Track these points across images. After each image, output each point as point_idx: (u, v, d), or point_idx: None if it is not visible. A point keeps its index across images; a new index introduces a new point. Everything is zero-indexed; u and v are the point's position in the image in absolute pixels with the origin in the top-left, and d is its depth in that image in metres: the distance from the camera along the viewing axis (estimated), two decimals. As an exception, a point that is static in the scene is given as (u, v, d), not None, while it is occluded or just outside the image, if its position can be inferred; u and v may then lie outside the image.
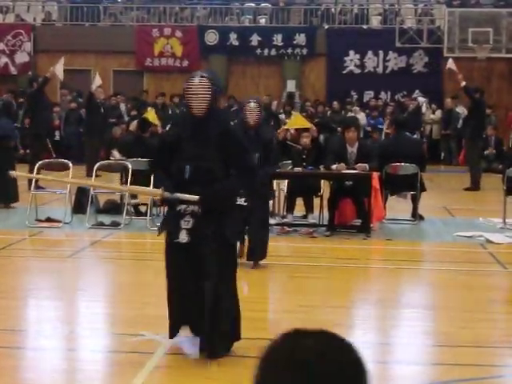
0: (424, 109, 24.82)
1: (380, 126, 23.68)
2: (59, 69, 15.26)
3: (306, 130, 12.54)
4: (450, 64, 16.01)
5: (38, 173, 12.46)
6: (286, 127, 12.51)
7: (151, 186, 11.84)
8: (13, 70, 27.53)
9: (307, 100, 25.72)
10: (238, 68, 27.19)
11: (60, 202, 12.94)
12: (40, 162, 12.95)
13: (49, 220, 12.07)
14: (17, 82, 26.69)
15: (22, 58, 27.50)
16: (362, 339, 6.83)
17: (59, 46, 26.39)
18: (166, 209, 6.92)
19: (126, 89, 25.75)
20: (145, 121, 14.15)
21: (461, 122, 22.31)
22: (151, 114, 14.54)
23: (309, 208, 12.37)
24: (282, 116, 24.40)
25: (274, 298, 8.28)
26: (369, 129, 23.19)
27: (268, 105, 25.07)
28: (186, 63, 27.14)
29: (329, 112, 24.75)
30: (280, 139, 12.14)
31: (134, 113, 22.52)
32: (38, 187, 13.13)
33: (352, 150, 11.82)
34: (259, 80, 27.31)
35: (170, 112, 23.50)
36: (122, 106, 24.56)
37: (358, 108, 24.46)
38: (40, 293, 7.76)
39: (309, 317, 7.30)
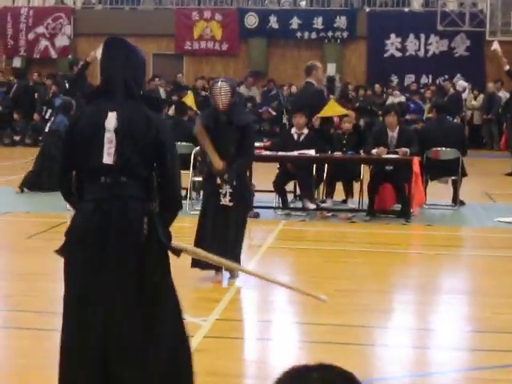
0: (465, 93, 24.57)
1: (421, 109, 23.46)
2: (100, 53, 15.25)
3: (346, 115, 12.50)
4: (496, 45, 15.77)
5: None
6: (320, 115, 12.41)
7: (191, 169, 11.98)
8: (53, 54, 27.74)
9: (348, 84, 25.58)
10: (278, 51, 27.11)
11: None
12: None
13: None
14: (57, 66, 26.89)
15: (61, 41, 27.69)
16: (400, 324, 6.82)
17: (99, 29, 26.53)
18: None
19: (165, 72, 25.83)
20: (183, 105, 14.18)
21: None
22: (190, 98, 14.57)
23: (348, 193, 12.34)
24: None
25: (311, 283, 8.27)
26: (410, 117, 22.86)
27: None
28: (225, 46, 27.14)
29: (370, 96, 24.60)
30: (315, 127, 12.08)
31: (174, 97, 22.53)
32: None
33: (392, 134, 11.75)
34: (299, 63, 27.18)
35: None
36: (161, 90, 24.63)
37: (398, 92, 24.28)
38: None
39: (347, 301, 7.30)
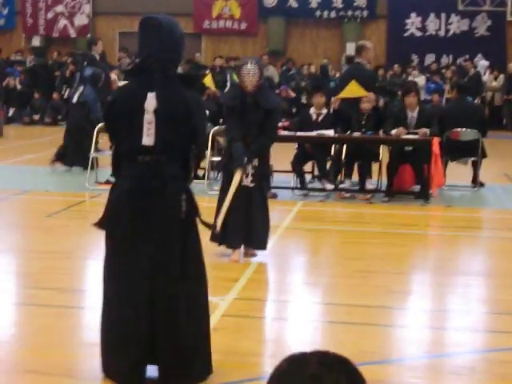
0: (486, 74, 24.40)
1: (441, 89, 23.32)
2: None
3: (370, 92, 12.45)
4: None
5: (97, 136, 12.59)
6: (340, 96, 12.38)
7: (209, 146, 11.98)
8: (72, 33, 27.77)
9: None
10: (297, 31, 27.02)
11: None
12: (99, 126, 13.04)
13: (108, 182, 12.21)
14: (76, 45, 26.92)
15: (80, 20, 27.71)
16: (417, 305, 6.83)
17: (118, 8, 26.58)
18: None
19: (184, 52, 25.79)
20: (201, 84, 14.17)
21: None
22: (208, 78, 14.56)
23: (367, 174, 12.31)
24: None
25: (329, 263, 8.30)
26: (430, 97, 22.75)
27: (325, 69, 24.98)
28: (244, 26, 27.08)
29: (389, 76, 24.48)
30: (334, 108, 12.03)
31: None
32: (97, 150, 13.27)
33: (412, 114, 11.70)
34: (318, 43, 27.12)
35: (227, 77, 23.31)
36: (179, 69, 24.60)
37: (417, 72, 24.15)
38: (100, 254, 7.88)
39: (364, 282, 7.31)
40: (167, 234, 4.64)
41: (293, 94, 23.72)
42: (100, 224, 4.81)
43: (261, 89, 7.84)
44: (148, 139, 4.61)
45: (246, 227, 7.84)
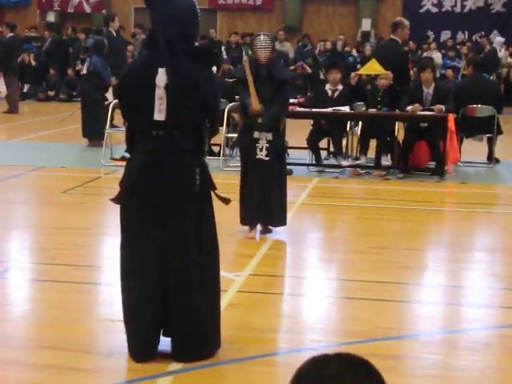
0: (502, 50, 24.21)
1: (457, 65, 23.18)
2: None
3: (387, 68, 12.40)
4: None
5: (112, 111, 12.60)
6: (359, 72, 12.34)
7: (224, 125, 11.98)
8: (87, 9, 27.72)
9: (382, 39, 25.32)
10: (313, 7, 26.89)
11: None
12: (114, 102, 13.05)
13: (123, 159, 12.20)
14: (91, 21, 26.88)
15: (95, -4, 27.64)
16: (433, 281, 6.83)
17: (133, -16, 26.47)
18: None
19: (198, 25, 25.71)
20: (217, 60, 14.14)
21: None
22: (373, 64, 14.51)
23: (383, 150, 12.27)
24: (355, 54, 24.12)
25: (344, 239, 8.30)
26: (445, 71, 22.65)
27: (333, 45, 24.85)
28: (259, 1, 26.98)
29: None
30: (352, 84, 11.99)
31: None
32: (112, 126, 13.29)
33: (428, 91, 11.65)
34: (333, 19, 27.00)
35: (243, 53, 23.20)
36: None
37: (434, 48, 24.00)
38: (115, 230, 7.90)
39: (379, 258, 7.31)
40: (181, 207, 4.66)
41: (309, 70, 23.61)
42: (117, 199, 4.83)
43: (274, 61, 7.95)
44: (159, 115, 4.62)
45: (263, 205, 7.86)
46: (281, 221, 8.00)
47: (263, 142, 7.81)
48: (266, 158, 7.83)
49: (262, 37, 7.85)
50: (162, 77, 4.61)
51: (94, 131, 13.96)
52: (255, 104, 7.74)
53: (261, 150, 7.81)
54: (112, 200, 4.86)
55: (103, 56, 14.28)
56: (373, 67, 11.98)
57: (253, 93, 7.75)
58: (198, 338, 4.75)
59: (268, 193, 7.87)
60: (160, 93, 4.61)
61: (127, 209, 4.75)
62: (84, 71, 14.72)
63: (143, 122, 4.68)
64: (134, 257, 4.71)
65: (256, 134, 7.83)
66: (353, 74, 12.17)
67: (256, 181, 7.83)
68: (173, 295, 4.68)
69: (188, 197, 4.68)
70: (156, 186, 4.65)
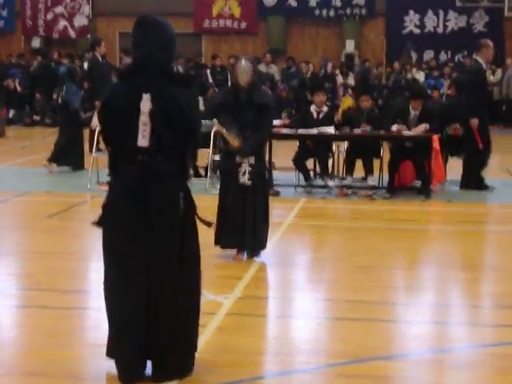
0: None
1: (440, 86, 23.28)
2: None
3: (366, 93, 12.50)
4: None
5: (98, 136, 12.58)
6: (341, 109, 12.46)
7: (211, 147, 11.98)
8: (72, 34, 27.75)
9: (366, 61, 25.48)
10: (297, 29, 27.01)
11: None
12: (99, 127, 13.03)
13: (109, 183, 12.17)
14: (76, 46, 26.90)
15: (80, 21, 27.68)
16: (420, 300, 6.82)
17: (118, 8, 26.56)
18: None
19: (184, 51, 25.76)
20: (203, 84, 14.21)
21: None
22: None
23: (368, 170, 12.31)
24: (340, 78, 24.22)
25: (331, 259, 8.29)
26: (430, 92, 22.74)
27: (320, 67, 24.95)
28: (244, 25, 27.08)
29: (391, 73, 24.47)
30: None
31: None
32: (98, 150, 13.27)
33: (415, 113, 11.75)
34: (317, 41, 27.12)
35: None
36: (180, 69, 24.58)
37: (415, 69, 24.13)
38: (101, 254, 7.86)
39: (367, 277, 7.30)
40: (165, 232, 4.68)
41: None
42: (99, 223, 4.82)
43: (254, 85, 7.93)
44: (143, 141, 4.65)
45: (246, 229, 7.82)
46: (263, 245, 7.97)
47: (246, 165, 7.82)
48: (249, 183, 7.83)
49: (242, 61, 7.90)
50: (146, 103, 4.63)
51: (68, 158, 13.99)
52: (233, 142, 7.76)
53: (243, 174, 7.82)
54: (94, 223, 4.85)
55: (77, 83, 14.47)
56: (346, 101, 12.08)
57: (227, 135, 7.79)
58: (178, 359, 4.77)
59: (251, 217, 7.84)
60: (144, 119, 4.63)
61: (111, 232, 4.75)
62: (59, 101, 14.85)
63: (127, 147, 4.69)
64: (118, 278, 4.71)
65: (238, 159, 7.84)
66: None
67: (238, 205, 7.81)
68: (155, 316, 4.70)
69: (172, 220, 4.70)
70: (140, 210, 4.66)
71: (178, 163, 4.73)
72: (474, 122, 12.10)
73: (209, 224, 4.97)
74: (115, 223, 4.72)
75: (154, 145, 4.64)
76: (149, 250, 4.67)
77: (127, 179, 4.70)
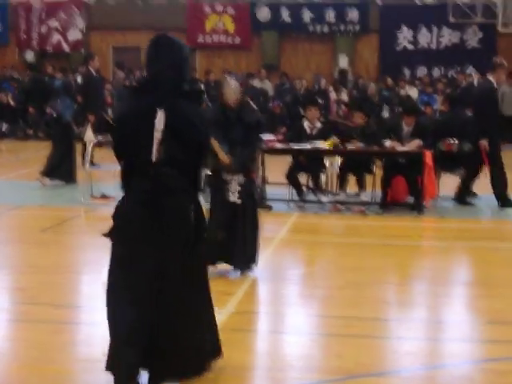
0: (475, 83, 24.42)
1: (433, 101, 23.36)
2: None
3: (360, 109, 12.54)
4: None
5: (92, 150, 12.60)
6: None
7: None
8: (65, 48, 27.76)
9: (360, 77, 25.56)
10: (290, 45, 27.08)
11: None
12: (94, 140, 13.08)
13: (103, 197, 12.20)
14: (70, 60, 26.92)
15: (74, 35, 27.70)
16: (413, 316, 6.82)
17: (111, 22, 26.58)
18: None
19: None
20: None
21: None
22: None
23: (361, 186, 12.33)
24: (333, 94, 24.26)
25: (324, 275, 8.30)
26: (424, 108, 22.79)
27: (313, 83, 25.01)
28: (237, 40, 27.13)
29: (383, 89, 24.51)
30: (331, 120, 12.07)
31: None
32: (92, 164, 13.29)
33: (408, 129, 11.79)
34: (311, 57, 27.18)
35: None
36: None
37: (408, 85, 24.19)
38: (95, 268, 7.86)
39: (359, 293, 7.31)
40: (176, 245, 4.76)
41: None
42: (109, 234, 4.89)
43: (243, 103, 8.00)
44: (157, 156, 4.74)
45: (229, 245, 7.82)
46: (254, 261, 7.97)
47: (235, 184, 7.84)
48: (239, 201, 7.84)
49: (229, 80, 8.01)
50: (160, 118, 4.72)
51: (60, 172, 13.99)
52: (223, 158, 7.78)
53: (233, 192, 7.84)
54: (105, 235, 4.91)
55: (71, 96, 14.50)
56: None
57: (218, 151, 7.80)
58: (178, 367, 4.82)
59: (241, 235, 7.83)
60: (158, 135, 4.71)
61: (121, 244, 4.81)
62: (54, 114, 14.82)
63: (140, 161, 4.78)
64: (125, 291, 4.74)
65: (225, 176, 7.86)
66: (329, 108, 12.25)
67: (225, 220, 7.80)
68: (158, 326, 4.75)
69: (183, 234, 4.79)
70: (152, 223, 4.73)
71: (189, 177, 4.83)
72: (484, 142, 12.12)
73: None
74: (126, 236, 4.79)
75: (168, 160, 4.74)
76: (159, 263, 4.73)
77: (139, 193, 4.78)
